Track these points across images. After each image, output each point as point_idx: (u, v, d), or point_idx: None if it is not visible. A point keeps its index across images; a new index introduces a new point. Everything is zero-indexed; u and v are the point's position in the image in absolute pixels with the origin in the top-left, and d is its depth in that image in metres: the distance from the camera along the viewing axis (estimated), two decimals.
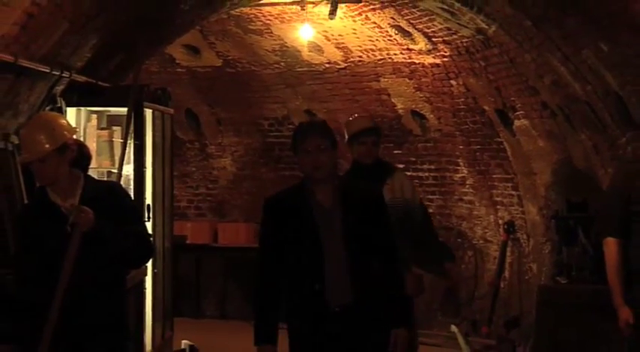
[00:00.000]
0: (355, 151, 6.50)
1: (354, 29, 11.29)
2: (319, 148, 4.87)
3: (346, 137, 6.56)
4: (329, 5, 10.17)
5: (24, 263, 4.95)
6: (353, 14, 10.77)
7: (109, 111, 9.00)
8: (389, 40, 11.16)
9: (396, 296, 5.01)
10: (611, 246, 5.51)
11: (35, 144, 4.87)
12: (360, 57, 11.96)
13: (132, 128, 8.36)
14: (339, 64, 12.39)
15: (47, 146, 4.81)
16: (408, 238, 6.27)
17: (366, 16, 10.70)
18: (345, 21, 11.04)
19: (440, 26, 9.98)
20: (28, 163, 4.97)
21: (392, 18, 10.46)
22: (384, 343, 4.90)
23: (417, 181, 12.51)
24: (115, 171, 8.36)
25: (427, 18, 9.93)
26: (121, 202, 5.02)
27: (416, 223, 6.53)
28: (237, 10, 10.77)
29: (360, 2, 10.25)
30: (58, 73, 7.29)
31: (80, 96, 8.35)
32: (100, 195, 4.90)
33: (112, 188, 5.27)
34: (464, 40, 9.94)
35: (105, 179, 8.41)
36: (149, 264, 8.72)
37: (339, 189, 4.95)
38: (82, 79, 7.97)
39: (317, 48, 12.15)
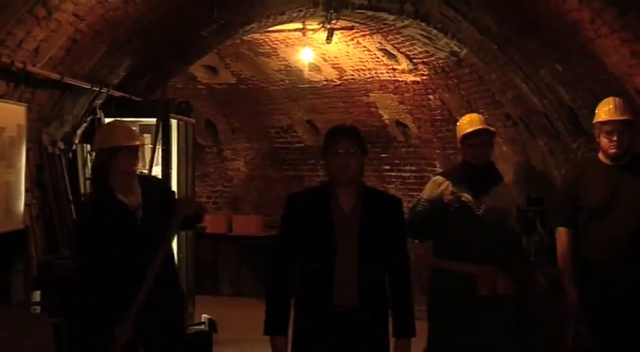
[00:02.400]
0: (464, 153, 5.47)
1: (348, 52, 11.28)
2: (349, 152, 4.31)
3: (458, 137, 5.55)
4: (326, 32, 10.17)
5: (94, 259, 4.75)
6: (346, 39, 10.76)
7: (140, 121, 8.98)
8: (377, 61, 11.15)
9: (403, 307, 4.39)
10: (561, 235, 5.48)
11: (133, 133, 4.93)
12: (353, 75, 11.95)
13: (160, 135, 8.35)
14: (334, 82, 12.38)
15: (138, 138, 4.95)
16: (501, 245, 5.31)
17: (358, 41, 10.70)
18: (340, 45, 11.03)
19: (420, 49, 9.97)
20: (133, 147, 4.87)
21: (379, 42, 10.45)
22: (385, 348, 4.35)
23: (400, 180, 12.52)
24: (146, 171, 8.36)
25: (409, 42, 9.93)
26: (166, 190, 5.15)
27: (507, 232, 5.42)
28: (248, 36, 10.76)
29: (353, 29, 10.24)
30: (97, 89, 7.29)
31: (116, 109, 8.35)
32: (152, 188, 4.91)
33: (158, 182, 5.34)
34: (440, 61, 9.93)
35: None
36: (175, 250, 8.69)
37: (361, 195, 4.36)
38: (117, 94, 7.96)
39: (316, 68, 12.14)
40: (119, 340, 4.63)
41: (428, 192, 5.41)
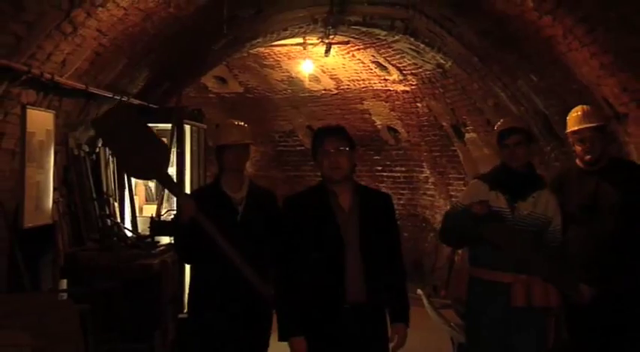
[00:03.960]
0: (501, 154, 4.69)
1: (344, 64, 11.29)
2: (338, 149, 3.99)
3: (495, 138, 4.78)
4: (324, 46, 10.18)
5: (190, 238, 4.48)
6: (343, 53, 10.77)
7: (157, 126, 8.95)
8: (370, 72, 11.15)
9: (398, 293, 4.09)
10: None
11: (244, 132, 4.66)
12: (348, 85, 11.95)
13: (175, 139, 8.35)
14: (332, 91, 12.39)
15: (249, 138, 4.68)
16: (540, 253, 4.51)
17: (353, 54, 10.71)
18: (337, 58, 11.04)
19: (409, 62, 9.97)
20: (235, 145, 4.58)
21: (372, 55, 10.46)
22: (386, 338, 4.06)
23: (391, 180, 12.53)
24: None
25: (399, 55, 9.93)
26: (273, 209, 4.56)
27: (551, 244, 4.58)
28: (255, 50, 10.76)
29: (348, 43, 10.25)
30: (118, 98, 7.28)
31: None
32: (260, 196, 4.61)
33: (271, 195, 4.76)
34: (427, 72, 9.94)
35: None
36: None
37: (357, 193, 4.05)
38: (137, 102, 7.95)
39: (315, 78, 12.14)
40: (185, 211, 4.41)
41: (466, 197, 4.67)
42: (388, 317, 4.13)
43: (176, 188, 4.61)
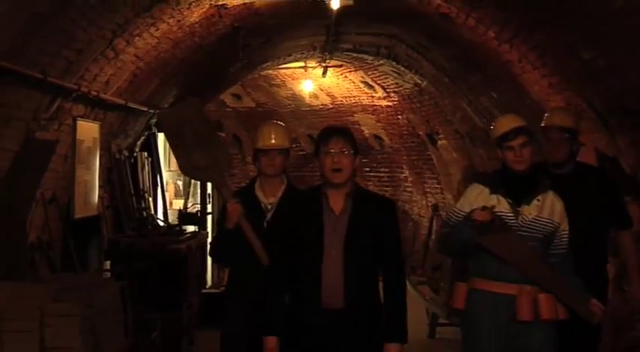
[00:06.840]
0: (503, 157, 3.53)
1: (338, 83, 11.30)
2: (341, 151, 3.20)
3: (493, 140, 3.62)
4: (322, 68, 10.19)
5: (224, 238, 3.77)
6: (337, 74, 10.78)
7: None
8: (359, 90, 11.17)
9: (394, 310, 3.20)
10: None
11: (282, 136, 3.77)
12: (342, 101, 11.96)
13: None
14: (328, 106, 12.39)
15: (287, 142, 3.79)
16: (545, 261, 3.48)
17: (345, 75, 10.72)
18: (332, 78, 11.05)
19: (392, 81, 9.99)
20: (272, 149, 3.73)
21: (361, 76, 10.48)
22: (375, 349, 3.17)
23: (377, 179, 12.54)
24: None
25: (384, 76, 9.95)
26: None
27: (557, 251, 3.50)
28: (264, 72, 10.78)
29: (342, 66, 10.27)
30: (152, 111, 7.29)
31: None
32: (297, 201, 3.47)
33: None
34: (406, 90, 9.95)
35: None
36: (209, 231, 8.66)
37: (353, 197, 3.21)
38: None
39: (314, 95, 12.15)
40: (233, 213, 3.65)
41: (465, 203, 3.56)
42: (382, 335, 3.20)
43: (228, 194, 3.78)
